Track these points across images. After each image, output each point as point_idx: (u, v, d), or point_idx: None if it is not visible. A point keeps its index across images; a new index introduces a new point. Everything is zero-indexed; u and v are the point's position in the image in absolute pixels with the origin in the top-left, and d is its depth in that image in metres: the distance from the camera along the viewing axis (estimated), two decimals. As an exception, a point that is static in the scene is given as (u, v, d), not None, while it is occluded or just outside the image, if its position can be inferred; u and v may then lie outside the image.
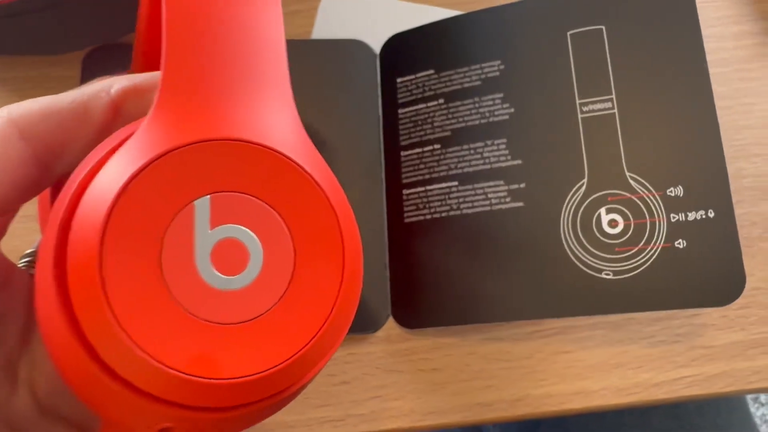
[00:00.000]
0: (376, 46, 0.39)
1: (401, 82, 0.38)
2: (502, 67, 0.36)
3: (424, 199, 0.35)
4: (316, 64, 0.39)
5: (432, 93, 0.37)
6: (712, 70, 0.36)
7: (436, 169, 0.35)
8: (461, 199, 0.35)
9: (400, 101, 0.37)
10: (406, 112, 0.37)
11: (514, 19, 0.36)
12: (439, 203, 0.35)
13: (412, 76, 0.37)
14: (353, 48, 0.39)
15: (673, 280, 0.31)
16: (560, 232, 0.33)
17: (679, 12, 0.33)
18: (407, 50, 0.38)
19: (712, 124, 0.32)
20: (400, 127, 0.37)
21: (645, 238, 0.32)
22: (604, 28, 0.34)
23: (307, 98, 0.39)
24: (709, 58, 0.34)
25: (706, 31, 0.36)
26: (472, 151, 0.35)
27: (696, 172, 0.32)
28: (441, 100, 0.36)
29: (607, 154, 0.33)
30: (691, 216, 0.31)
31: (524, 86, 0.35)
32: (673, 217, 0.31)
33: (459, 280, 0.34)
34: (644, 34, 0.34)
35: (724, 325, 0.31)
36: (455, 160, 0.35)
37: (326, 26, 0.41)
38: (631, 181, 0.32)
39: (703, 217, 0.31)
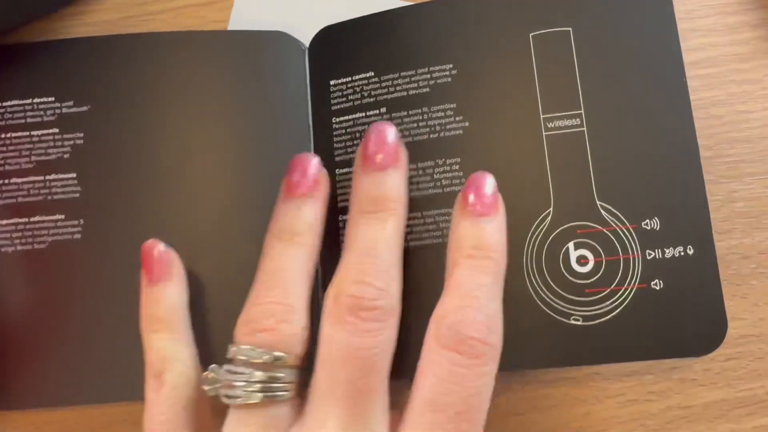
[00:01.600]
0: (305, 39, 0.33)
1: (335, 86, 0.32)
2: (454, 72, 0.30)
3: (365, 228, 0.30)
4: (231, 60, 0.32)
5: (372, 100, 0.31)
6: (701, 71, 0.31)
7: (378, 192, 0.30)
8: (408, 230, 0.29)
9: (334, 108, 0.31)
10: (341, 122, 0.31)
11: (468, 14, 0.31)
12: (382, 233, 0.30)
13: (348, 79, 0.31)
14: (277, 41, 0.33)
15: (648, 326, 0.27)
16: (523, 270, 0.28)
17: (654, 10, 0.29)
18: (342, 47, 0.32)
19: (691, 146, 0.28)
20: (335, 139, 0.31)
21: (618, 277, 0.28)
22: (571, 30, 0.30)
23: (221, 101, 0.32)
24: (696, 56, 0.30)
25: (693, 23, 0.31)
26: (420, 172, 0.30)
27: (674, 202, 0.28)
28: (383, 109, 0.31)
29: (575, 179, 0.29)
30: (669, 252, 0.28)
31: (480, 96, 0.30)
32: (649, 254, 0.28)
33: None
34: (616, 38, 0.29)
35: (707, 381, 0.28)
36: (400, 181, 0.30)
37: (245, 15, 0.34)
38: (603, 212, 0.28)
39: (682, 253, 0.27)
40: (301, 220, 0.27)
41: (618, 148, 0.28)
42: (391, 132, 0.27)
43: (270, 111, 0.32)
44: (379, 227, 0.26)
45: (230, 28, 0.35)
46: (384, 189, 0.27)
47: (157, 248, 0.29)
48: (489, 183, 0.27)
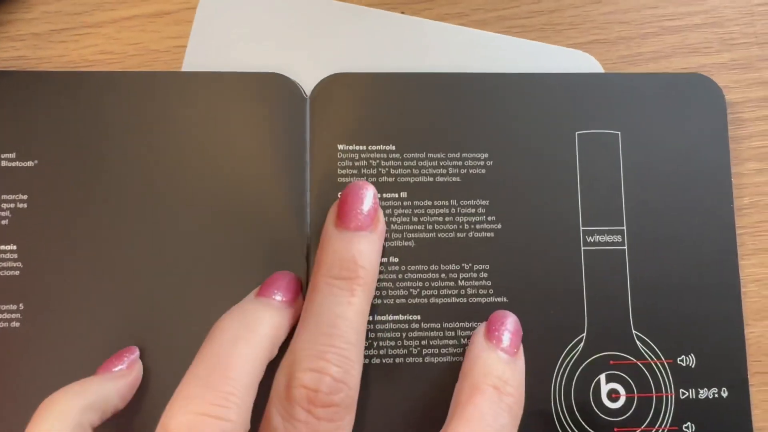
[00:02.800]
0: (305, 83, 0.27)
1: (345, 152, 0.27)
2: (489, 163, 0.27)
3: (371, 336, 0.25)
4: (211, 107, 0.26)
5: (391, 180, 0.26)
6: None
7: (391, 293, 0.26)
8: (424, 341, 0.25)
9: (341, 180, 0.26)
10: (350, 201, 0.26)
11: (511, 97, 0.27)
12: (392, 343, 0.25)
13: (362, 147, 0.27)
14: (272, 85, 0.27)
15: (676, 473, 0.25)
16: (551, 403, 0.25)
17: (710, 132, 0.27)
18: (356, 103, 0.27)
19: (733, 280, 0.26)
20: (341, 221, 0.26)
21: (650, 417, 0.25)
22: (620, 134, 0.27)
23: (200, 156, 0.26)
24: (758, 166, 0.28)
25: (754, 126, 0.28)
26: (443, 276, 0.26)
27: (711, 339, 0.26)
28: (403, 194, 0.26)
29: (611, 302, 0.26)
30: (703, 393, 0.26)
31: (516, 195, 0.26)
32: (683, 393, 0.26)
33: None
34: (667, 149, 0.27)
35: None
36: (419, 283, 0.26)
37: (208, 30, 0.28)
38: (638, 343, 0.26)
39: (716, 395, 0.26)
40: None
41: (659, 274, 0.26)
42: (369, 193, 0.24)
43: (260, 172, 0.26)
44: (344, 299, 0.22)
45: (190, 45, 0.28)
46: (356, 252, 0.23)
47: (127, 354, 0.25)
48: (515, 323, 0.25)
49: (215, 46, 0.28)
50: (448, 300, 0.26)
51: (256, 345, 0.22)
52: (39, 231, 0.25)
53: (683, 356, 0.26)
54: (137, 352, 0.24)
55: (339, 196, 0.25)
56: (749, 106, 0.28)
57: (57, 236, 0.25)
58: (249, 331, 0.22)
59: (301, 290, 0.25)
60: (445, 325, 0.25)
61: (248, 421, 0.21)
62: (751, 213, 0.27)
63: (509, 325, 0.25)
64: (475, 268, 0.26)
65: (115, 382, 0.23)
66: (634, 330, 0.26)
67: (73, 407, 0.21)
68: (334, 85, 0.27)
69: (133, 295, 0.25)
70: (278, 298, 0.24)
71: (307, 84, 0.27)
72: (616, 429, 0.25)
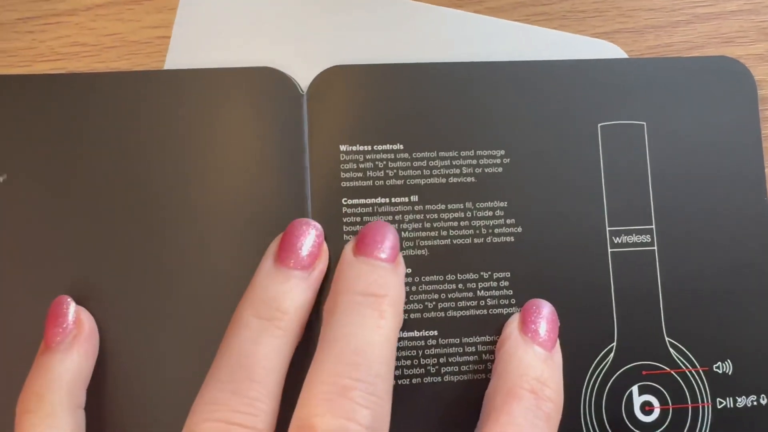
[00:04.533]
0: (301, 78, 0.25)
1: (348, 153, 0.24)
2: (506, 160, 0.24)
3: (386, 354, 0.23)
4: (197, 109, 0.24)
5: (400, 182, 0.24)
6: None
7: (405, 307, 0.23)
8: (443, 359, 0.23)
9: (346, 184, 0.24)
10: (355, 206, 0.24)
11: (528, 88, 0.25)
12: (408, 362, 0.23)
13: (367, 148, 0.24)
14: (265, 81, 0.24)
15: (715, 489, 0.24)
16: (580, 416, 0.23)
17: (740, 120, 0.25)
18: (358, 98, 0.24)
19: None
20: (345, 231, 0.24)
21: (686, 430, 0.24)
22: (645, 125, 0.25)
23: (188, 167, 0.24)
24: None
25: None
26: (460, 286, 0.24)
27: (748, 343, 0.24)
28: (414, 197, 0.24)
29: (642, 308, 0.24)
30: (741, 402, 0.24)
31: (536, 195, 0.24)
32: (720, 403, 0.24)
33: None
34: (695, 140, 0.25)
35: None
36: (434, 296, 0.24)
37: (193, 17, 0.25)
38: (672, 350, 0.24)
39: (755, 403, 0.24)
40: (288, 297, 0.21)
41: (691, 275, 0.24)
42: (392, 233, 0.22)
43: (252, 176, 0.24)
44: (372, 322, 0.20)
45: (174, 37, 0.25)
46: (383, 279, 0.21)
47: (63, 306, 0.22)
48: (552, 313, 0.23)
49: (201, 37, 0.25)
50: (467, 312, 0.24)
51: (282, 336, 0.20)
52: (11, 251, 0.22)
53: (719, 363, 0.24)
54: (71, 301, 0.22)
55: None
56: (788, 99, 0.26)
57: (32, 256, 0.22)
58: (272, 318, 0.20)
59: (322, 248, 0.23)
60: (465, 340, 0.23)
61: (274, 424, 0.19)
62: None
63: (546, 313, 0.22)
64: (494, 277, 0.24)
65: (77, 349, 0.21)
66: (667, 337, 0.24)
67: (61, 402, 0.20)
68: (334, 79, 0.24)
69: (123, 305, 0.23)
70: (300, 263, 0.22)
71: (304, 79, 0.25)
72: (650, 444, 0.24)
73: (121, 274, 0.23)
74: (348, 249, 0.22)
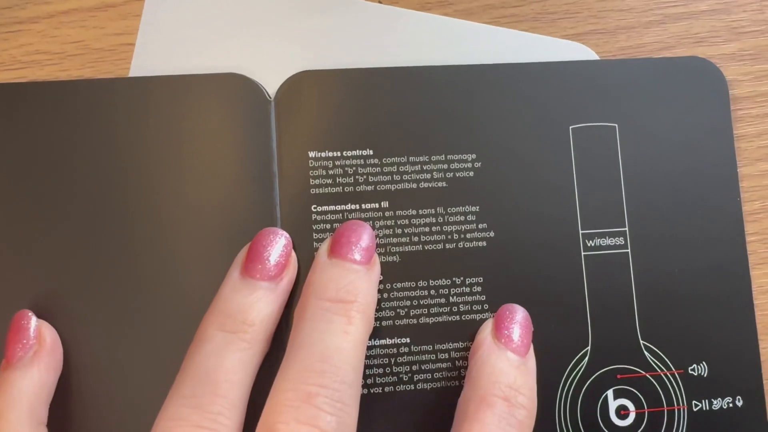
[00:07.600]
0: (268, 83, 0.24)
1: (316, 160, 0.24)
2: (477, 164, 0.24)
3: (358, 363, 0.23)
4: (163, 117, 0.23)
5: (370, 188, 0.24)
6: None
7: (377, 315, 0.23)
8: (415, 366, 0.23)
9: (314, 191, 0.24)
10: (324, 213, 0.24)
11: (498, 92, 0.24)
12: (380, 370, 0.23)
13: (336, 154, 0.24)
14: (232, 87, 0.24)
15: (692, 492, 0.23)
16: (556, 424, 0.23)
17: (712, 119, 0.25)
18: (326, 104, 0.24)
19: (745, 281, 0.24)
20: (314, 239, 0.23)
21: (662, 434, 0.24)
22: (617, 126, 0.25)
23: (154, 175, 0.23)
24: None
25: (765, 124, 0.26)
26: (432, 292, 0.23)
27: (723, 345, 0.24)
28: (384, 203, 0.24)
29: (616, 311, 0.24)
30: (717, 404, 0.24)
31: (508, 199, 0.24)
32: (696, 405, 0.24)
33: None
34: (668, 142, 0.25)
35: None
36: (406, 302, 0.23)
37: (156, 26, 0.25)
38: (647, 353, 0.24)
39: (730, 405, 0.24)
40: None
41: (665, 278, 0.24)
42: (367, 233, 0.22)
43: (220, 186, 0.23)
44: (340, 328, 0.20)
45: (140, 38, 0.25)
46: (353, 284, 0.21)
47: (24, 321, 0.21)
48: (526, 318, 0.22)
49: (167, 44, 0.25)
50: (440, 319, 0.23)
51: (247, 348, 0.20)
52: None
53: (695, 365, 0.24)
54: (32, 316, 0.21)
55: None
56: (759, 101, 0.26)
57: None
58: (238, 330, 0.20)
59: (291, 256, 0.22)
60: (438, 346, 0.23)
61: None
62: (763, 218, 0.25)
63: (519, 319, 0.22)
64: (467, 282, 0.23)
65: (38, 365, 0.21)
66: (642, 340, 0.24)
67: (20, 421, 0.19)
68: (302, 84, 0.24)
69: (88, 319, 0.22)
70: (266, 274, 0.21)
71: (272, 84, 0.24)
72: (626, 449, 0.23)
73: (86, 287, 0.22)
74: (323, 249, 0.22)
